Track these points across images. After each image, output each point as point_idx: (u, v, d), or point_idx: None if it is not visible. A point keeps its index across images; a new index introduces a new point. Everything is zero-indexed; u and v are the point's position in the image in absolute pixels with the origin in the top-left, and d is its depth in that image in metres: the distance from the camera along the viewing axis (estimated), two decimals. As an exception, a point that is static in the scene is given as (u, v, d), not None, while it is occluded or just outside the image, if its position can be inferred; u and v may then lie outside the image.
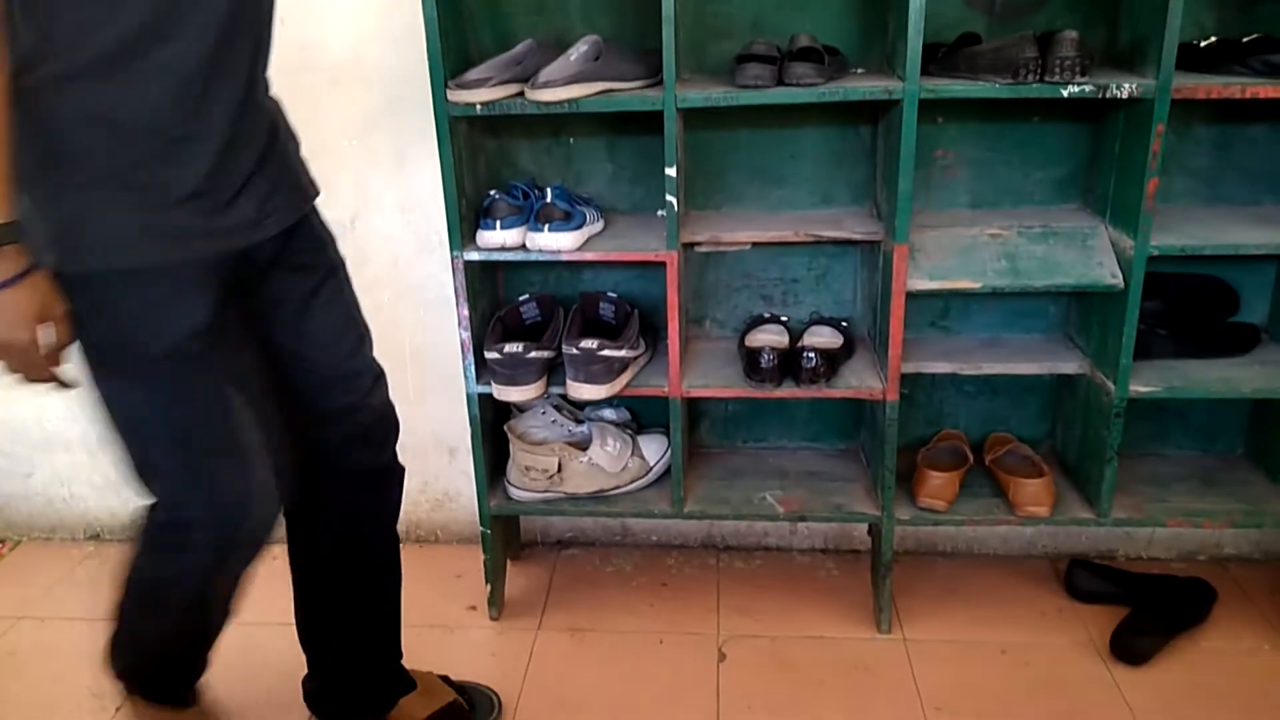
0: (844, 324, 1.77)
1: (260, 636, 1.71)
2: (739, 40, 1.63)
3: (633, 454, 1.80)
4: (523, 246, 1.60)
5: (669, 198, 1.55)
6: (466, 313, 1.65)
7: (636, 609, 1.87)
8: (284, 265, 1.20)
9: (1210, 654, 1.70)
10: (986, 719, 1.57)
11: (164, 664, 1.36)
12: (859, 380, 1.67)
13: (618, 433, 1.80)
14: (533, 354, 1.63)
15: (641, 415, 1.95)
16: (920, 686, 1.64)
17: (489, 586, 1.84)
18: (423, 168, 1.81)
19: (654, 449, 1.82)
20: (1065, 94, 1.44)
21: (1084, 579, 1.84)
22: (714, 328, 1.90)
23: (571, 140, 1.78)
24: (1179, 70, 1.42)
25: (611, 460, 1.77)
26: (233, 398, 1.14)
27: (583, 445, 1.78)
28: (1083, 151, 1.70)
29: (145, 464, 1.16)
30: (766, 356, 1.62)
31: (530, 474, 1.76)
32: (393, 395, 1.39)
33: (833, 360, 1.66)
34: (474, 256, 1.62)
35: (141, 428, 1.13)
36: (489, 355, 1.64)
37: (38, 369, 1.03)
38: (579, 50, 1.50)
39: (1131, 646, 1.67)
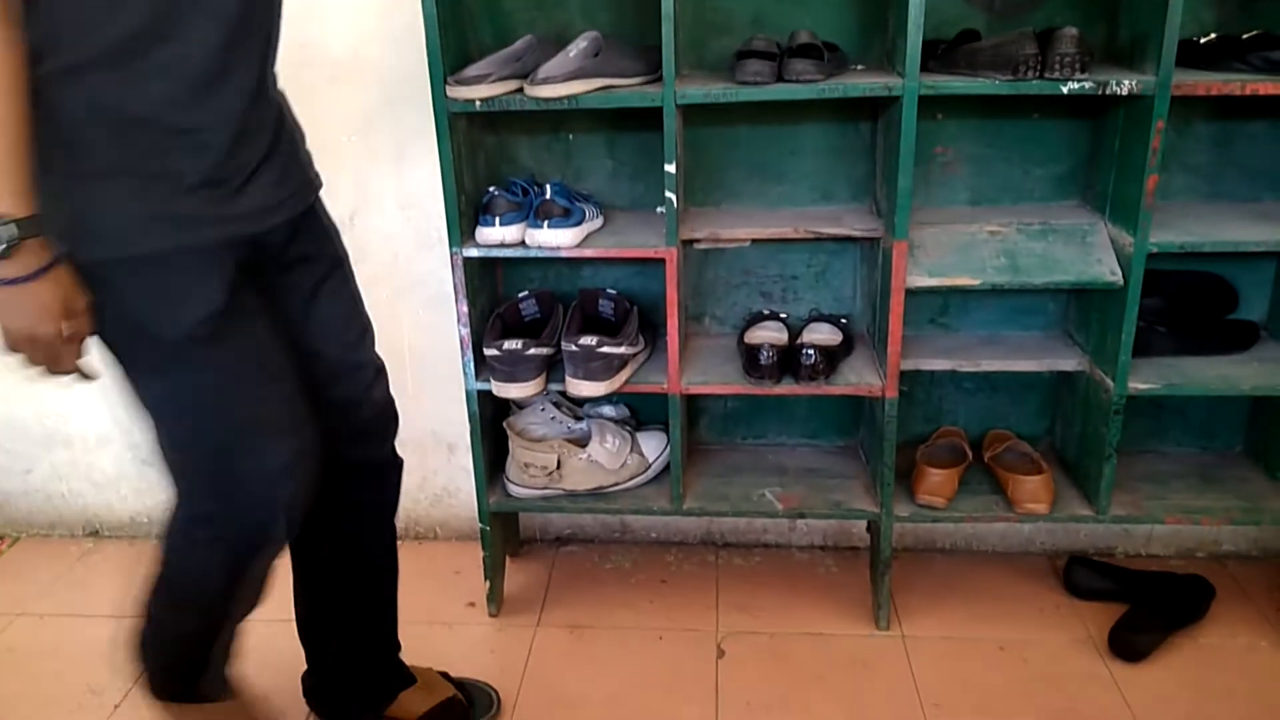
0: (843, 321, 1.77)
1: (260, 633, 1.70)
2: (739, 36, 1.63)
3: (632, 451, 1.80)
4: (522, 243, 1.60)
5: (668, 194, 1.55)
6: (466, 309, 1.65)
7: (635, 605, 1.87)
8: (292, 256, 1.21)
9: (1208, 651, 1.70)
10: (985, 715, 1.57)
11: (195, 658, 1.35)
12: (858, 377, 1.67)
13: (617, 429, 1.80)
14: (532, 351, 1.63)
15: (641, 412, 1.95)
16: (919, 683, 1.65)
17: (488, 583, 1.84)
18: (422, 164, 1.80)
19: (653, 446, 1.82)
20: (1065, 91, 1.44)
21: (1082, 576, 1.84)
22: (713, 324, 1.90)
23: (571, 137, 1.78)
24: (1179, 67, 1.42)
25: (610, 457, 1.77)
26: (257, 376, 1.14)
27: (582, 442, 1.78)
28: (1082, 148, 1.70)
29: (176, 452, 1.16)
30: (766, 353, 1.62)
31: (529, 471, 1.76)
32: (392, 392, 1.39)
33: (832, 357, 1.66)
34: (473, 253, 1.62)
35: (168, 415, 1.13)
36: (488, 352, 1.64)
37: (62, 362, 1.04)
38: (578, 46, 1.50)
39: (1130, 643, 1.68)
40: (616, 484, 1.79)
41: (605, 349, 1.61)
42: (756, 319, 1.80)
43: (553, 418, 1.84)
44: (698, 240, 1.69)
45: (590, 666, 1.72)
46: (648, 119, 1.56)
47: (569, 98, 1.49)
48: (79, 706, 1.66)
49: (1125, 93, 1.44)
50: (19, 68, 0.93)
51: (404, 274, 1.91)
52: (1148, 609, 1.74)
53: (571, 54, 1.49)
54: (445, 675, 1.60)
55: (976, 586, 1.89)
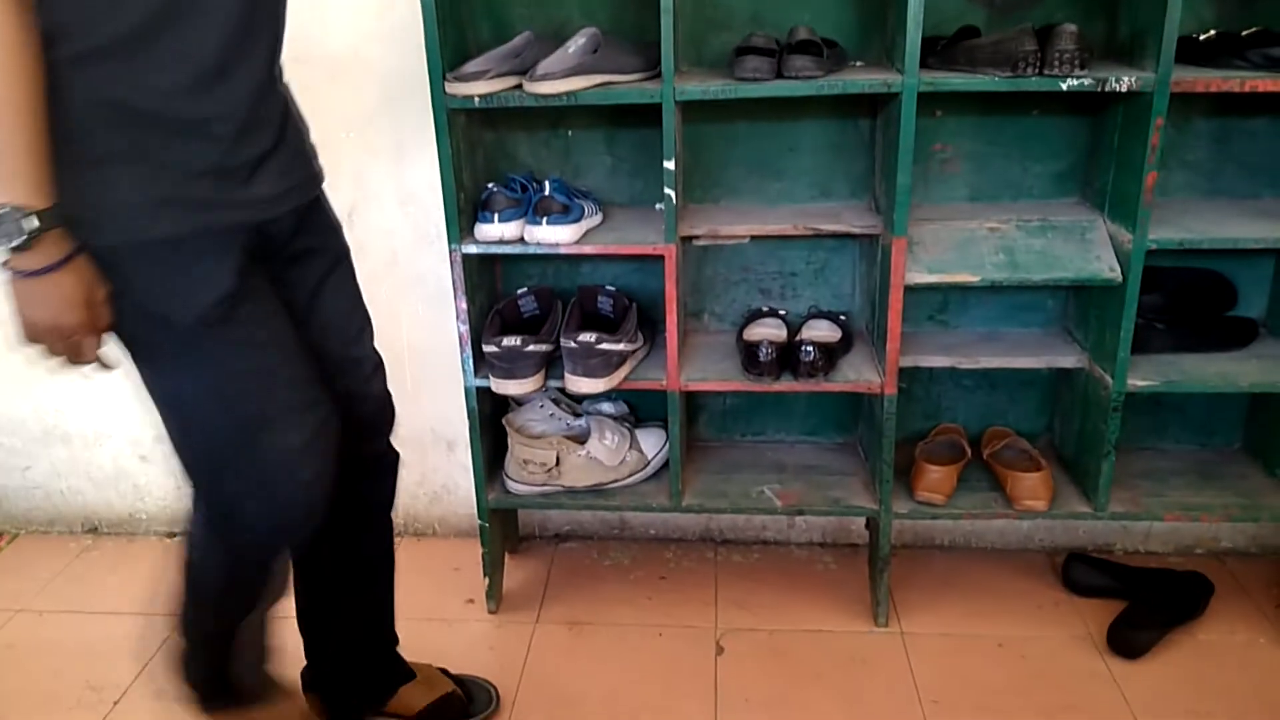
0: (842, 317, 1.77)
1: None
2: (738, 33, 1.63)
3: (631, 447, 1.80)
4: (521, 240, 1.60)
5: (667, 191, 1.55)
6: (465, 306, 1.65)
7: (634, 602, 1.87)
8: (297, 249, 1.21)
9: (1207, 647, 1.70)
10: (983, 712, 1.58)
11: (229, 655, 1.34)
12: (857, 374, 1.67)
13: (616, 426, 1.80)
14: (531, 347, 1.63)
15: (640, 409, 1.95)
16: (917, 679, 1.65)
17: (487, 580, 1.84)
18: (421, 161, 1.80)
19: (652, 442, 1.83)
20: (1064, 87, 1.44)
21: (1081, 572, 1.84)
22: (712, 321, 1.90)
23: (570, 133, 1.78)
24: (1178, 64, 1.42)
25: (610, 454, 1.77)
26: (271, 357, 1.14)
27: (581, 439, 1.78)
28: (1081, 145, 1.70)
29: (195, 441, 1.16)
30: (765, 350, 1.62)
31: (528, 467, 1.76)
32: (391, 389, 1.40)
33: (831, 354, 1.66)
34: (472, 249, 1.62)
35: (185, 403, 1.13)
36: (487, 348, 1.64)
37: (84, 353, 1.05)
38: (577, 43, 1.49)
39: (1128, 640, 1.68)
40: (615, 481, 1.79)
41: (604, 346, 1.61)
42: (755, 316, 1.80)
43: (552, 414, 1.84)
44: (697, 237, 1.69)
45: (589, 663, 1.72)
46: (647, 115, 1.56)
47: (568, 94, 1.49)
48: (78, 703, 1.66)
49: (1124, 89, 1.44)
50: (34, 57, 0.94)
51: (403, 271, 1.91)
52: (1146, 606, 1.74)
53: (570, 50, 1.49)
54: (445, 671, 1.60)
55: (975, 583, 1.89)
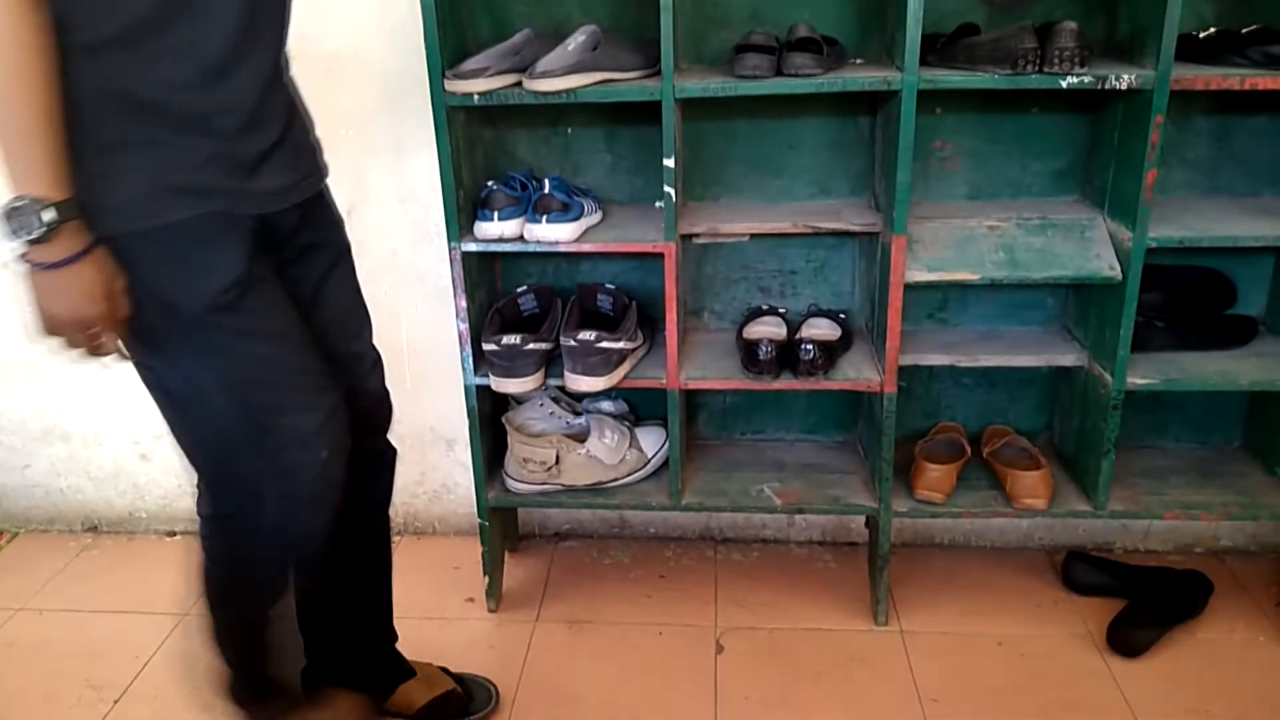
0: (842, 316, 1.77)
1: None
2: (737, 30, 1.63)
3: (630, 446, 1.80)
4: (520, 238, 1.60)
5: (667, 189, 1.55)
6: (464, 304, 1.65)
7: (634, 601, 1.87)
8: (301, 244, 1.21)
9: (1206, 646, 1.70)
10: (983, 711, 1.58)
11: (269, 662, 1.34)
12: (857, 372, 1.66)
13: (615, 425, 1.80)
14: (530, 345, 1.63)
15: (639, 407, 1.95)
16: (917, 678, 1.65)
17: (487, 578, 1.84)
18: (420, 158, 1.80)
19: (652, 441, 1.82)
20: (1064, 85, 1.44)
21: (1081, 571, 1.84)
22: (712, 319, 1.90)
23: (569, 131, 1.77)
24: (1178, 61, 1.41)
25: (609, 452, 1.77)
26: (281, 341, 1.15)
27: (580, 437, 1.78)
28: (1081, 143, 1.70)
29: (205, 433, 1.15)
30: (764, 348, 1.62)
31: (528, 466, 1.76)
32: (390, 387, 1.40)
33: (830, 352, 1.66)
34: (472, 248, 1.62)
35: (198, 391, 1.13)
36: (487, 347, 1.64)
37: (103, 344, 1.05)
38: (577, 40, 1.49)
39: (1128, 638, 1.68)
40: (615, 479, 1.79)
41: (604, 344, 1.61)
42: (755, 314, 1.80)
43: (551, 413, 1.84)
44: (696, 235, 1.69)
45: (589, 662, 1.72)
46: (646, 113, 1.56)
47: (567, 92, 1.49)
48: (78, 701, 1.66)
49: (1124, 87, 1.43)
50: (49, 51, 0.94)
51: (402, 269, 1.91)
52: (1146, 604, 1.74)
53: (570, 48, 1.49)
54: (445, 670, 1.60)
55: (975, 582, 1.89)
